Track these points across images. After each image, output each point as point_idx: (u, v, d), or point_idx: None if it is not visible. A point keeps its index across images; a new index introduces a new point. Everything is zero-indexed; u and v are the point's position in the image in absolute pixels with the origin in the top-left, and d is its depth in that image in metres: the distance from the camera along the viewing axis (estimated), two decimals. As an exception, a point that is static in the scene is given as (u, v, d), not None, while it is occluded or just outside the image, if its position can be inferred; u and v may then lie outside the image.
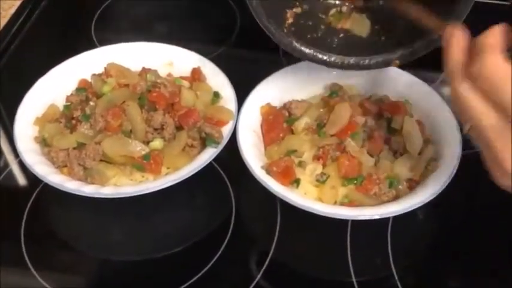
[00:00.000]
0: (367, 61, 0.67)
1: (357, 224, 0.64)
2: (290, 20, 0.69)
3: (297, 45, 0.67)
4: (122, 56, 0.77)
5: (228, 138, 0.67)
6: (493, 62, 0.40)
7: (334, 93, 0.72)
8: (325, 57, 0.67)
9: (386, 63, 0.67)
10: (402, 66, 0.74)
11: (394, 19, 0.65)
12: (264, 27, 0.65)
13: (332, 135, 0.66)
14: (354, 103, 0.69)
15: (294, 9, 0.69)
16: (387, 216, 0.59)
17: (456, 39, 0.44)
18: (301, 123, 0.68)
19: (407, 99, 0.71)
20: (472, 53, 0.42)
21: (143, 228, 0.67)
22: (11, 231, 0.66)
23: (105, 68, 0.75)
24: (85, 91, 0.73)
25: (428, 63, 0.81)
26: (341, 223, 0.64)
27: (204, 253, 0.63)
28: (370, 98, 0.72)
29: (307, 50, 0.67)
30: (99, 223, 0.68)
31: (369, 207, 0.60)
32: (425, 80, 0.72)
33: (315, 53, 0.67)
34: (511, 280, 0.61)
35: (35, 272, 0.62)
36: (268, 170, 0.63)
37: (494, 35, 0.41)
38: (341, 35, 0.70)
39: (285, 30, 0.67)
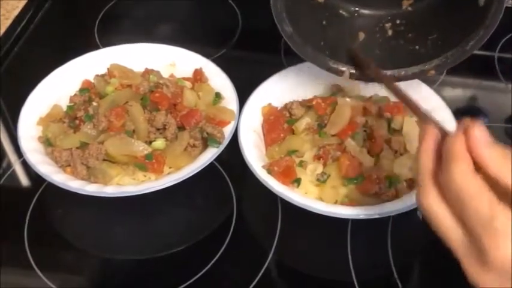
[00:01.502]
0: (403, 72, 0.67)
1: (357, 223, 0.64)
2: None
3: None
4: (124, 57, 0.78)
5: (229, 139, 0.67)
6: (461, 175, 0.37)
7: (335, 95, 0.73)
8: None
9: (422, 74, 0.67)
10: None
11: (427, 28, 0.66)
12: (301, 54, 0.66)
13: (333, 136, 0.67)
14: (354, 103, 0.70)
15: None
16: (387, 215, 0.59)
17: (428, 139, 0.41)
18: (302, 124, 0.69)
19: (408, 100, 0.71)
20: (443, 157, 0.39)
21: (145, 228, 0.67)
22: (14, 230, 0.66)
23: (108, 68, 0.76)
24: (88, 91, 0.73)
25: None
26: (341, 222, 0.64)
27: (205, 252, 0.64)
28: (370, 99, 0.72)
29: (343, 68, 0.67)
30: (101, 222, 0.68)
31: (369, 207, 0.60)
32: (425, 81, 0.73)
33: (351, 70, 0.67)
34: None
35: (38, 271, 0.62)
36: (269, 169, 0.64)
37: (461, 141, 0.38)
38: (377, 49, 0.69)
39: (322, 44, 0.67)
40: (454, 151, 0.38)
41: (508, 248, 0.35)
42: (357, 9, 0.71)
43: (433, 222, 0.40)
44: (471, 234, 0.37)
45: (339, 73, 0.67)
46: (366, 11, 0.71)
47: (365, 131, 0.67)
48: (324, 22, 0.69)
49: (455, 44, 0.64)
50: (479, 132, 0.38)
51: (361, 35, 0.69)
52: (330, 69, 0.67)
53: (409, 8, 0.70)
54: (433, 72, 0.66)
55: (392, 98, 0.72)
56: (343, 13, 0.71)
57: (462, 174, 0.37)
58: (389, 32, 0.70)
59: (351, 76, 0.66)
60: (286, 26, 0.64)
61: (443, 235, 0.39)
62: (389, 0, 0.70)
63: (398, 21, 0.70)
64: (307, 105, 0.71)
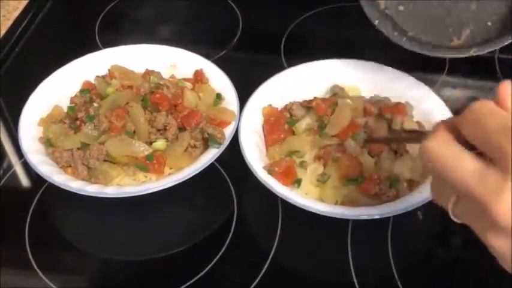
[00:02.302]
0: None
1: (358, 224, 0.64)
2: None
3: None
4: (125, 58, 0.78)
5: (230, 139, 0.67)
6: (484, 109, 0.35)
7: (335, 95, 0.73)
8: None
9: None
10: (402, 69, 0.74)
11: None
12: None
13: (333, 136, 0.67)
14: (354, 104, 0.70)
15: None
16: (388, 216, 0.59)
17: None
18: (302, 125, 0.69)
19: (408, 101, 0.71)
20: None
21: (146, 228, 0.67)
22: (15, 231, 0.66)
23: (108, 69, 0.76)
24: (89, 92, 0.73)
25: (429, 66, 0.82)
26: (342, 223, 0.64)
27: (205, 253, 0.63)
28: (371, 100, 0.72)
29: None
30: (102, 223, 0.68)
31: (370, 207, 0.61)
32: (425, 82, 0.73)
33: None
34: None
35: (39, 272, 0.62)
36: (269, 170, 0.64)
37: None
38: None
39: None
40: (476, 105, 0.35)
41: None
42: None
43: (442, 163, 0.35)
44: (490, 151, 0.33)
45: None
46: None
47: (365, 131, 0.67)
48: None
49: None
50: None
51: None
52: None
53: None
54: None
55: (393, 97, 0.72)
56: None
57: (481, 103, 0.35)
58: None
59: None
60: None
61: (455, 175, 0.35)
62: None
63: None
64: (307, 106, 0.71)
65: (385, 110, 0.69)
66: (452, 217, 0.38)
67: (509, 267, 0.35)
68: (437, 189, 0.40)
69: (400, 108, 0.69)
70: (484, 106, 0.35)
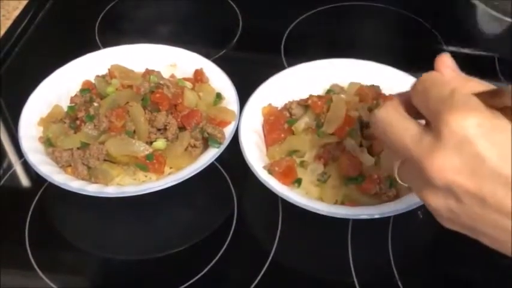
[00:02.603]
0: None
1: (358, 223, 0.64)
2: None
3: None
4: (125, 58, 0.78)
5: (230, 139, 0.67)
6: (427, 74, 0.40)
7: (330, 92, 0.72)
8: None
9: None
10: (402, 69, 0.74)
11: None
12: None
13: (331, 134, 0.67)
14: (349, 97, 0.69)
15: None
16: (388, 215, 0.59)
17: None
18: (301, 124, 0.69)
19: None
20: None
21: (146, 228, 0.67)
22: (15, 231, 0.66)
23: (108, 69, 0.76)
24: (89, 92, 0.73)
25: (429, 66, 0.82)
26: (342, 223, 0.64)
27: (206, 252, 0.64)
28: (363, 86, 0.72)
29: None
30: (102, 223, 0.68)
31: (370, 207, 0.61)
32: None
33: None
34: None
35: (39, 272, 0.62)
36: (270, 170, 0.64)
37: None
38: None
39: None
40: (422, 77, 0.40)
41: (463, 120, 0.34)
42: None
43: (388, 127, 0.40)
44: (431, 117, 0.37)
45: None
46: None
47: (365, 126, 0.67)
48: None
49: None
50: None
51: None
52: None
53: None
54: None
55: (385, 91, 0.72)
56: None
57: (428, 74, 0.40)
58: None
59: None
60: None
61: (397, 137, 0.39)
62: None
63: None
64: (304, 104, 0.71)
65: (380, 96, 0.69)
66: (397, 179, 0.42)
67: (443, 222, 0.39)
68: (388, 156, 0.46)
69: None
70: (430, 77, 0.39)
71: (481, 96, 0.36)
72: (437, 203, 0.37)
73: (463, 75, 0.41)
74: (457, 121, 0.34)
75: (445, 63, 0.41)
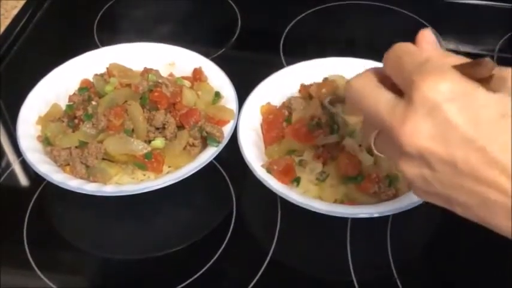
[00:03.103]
0: None
1: (357, 222, 0.64)
2: None
3: None
4: (123, 56, 0.78)
5: (228, 138, 0.67)
6: (398, 44, 0.39)
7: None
8: None
9: None
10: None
11: None
12: None
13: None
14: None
15: None
16: (387, 214, 0.59)
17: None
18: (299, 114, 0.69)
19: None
20: None
21: (144, 227, 0.67)
22: (13, 230, 0.66)
23: (107, 68, 0.76)
24: (87, 91, 0.73)
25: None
26: (341, 222, 0.64)
27: (204, 251, 0.63)
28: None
29: None
30: (101, 222, 0.68)
31: (369, 206, 0.61)
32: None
33: None
34: (511, 279, 0.61)
35: (38, 271, 0.62)
36: (268, 168, 0.64)
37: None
38: None
39: None
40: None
41: (435, 85, 0.34)
42: None
43: (361, 97, 0.39)
44: (403, 85, 0.37)
45: None
46: None
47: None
48: None
49: None
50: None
51: None
52: None
53: None
54: None
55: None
56: None
57: (402, 43, 0.39)
58: None
59: None
60: None
61: (371, 107, 0.38)
62: None
63: None
64: (303, 96, 0.71)
65: None
66: (374, 150, 0.42)
67: (419, 193, 0.39)
68: (365, 128, 0.44)
69: None
70: (403, 46, 0.38)
71: (460, 68, 0.35)
72: (411, 172, 0.37)
73: (442, 50, 0.40)
74: (428, 86, 0.34)
75: (426, 38, 0.40)
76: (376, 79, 0.39)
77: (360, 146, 0.65)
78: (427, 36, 0.40)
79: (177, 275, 0.62)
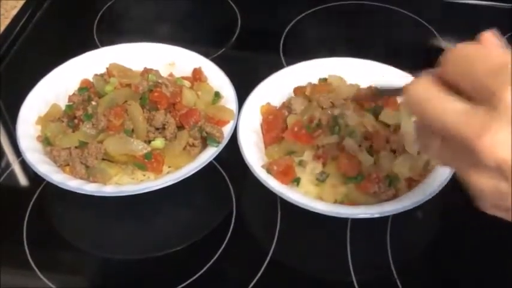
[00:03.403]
0: None
1: (357, 222, 0.64)
2: None
3: None
4: (123, 56, 0.78)
5: (228, 138, 0.67)
6: (466, 45, 0.36)
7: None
8: None
9: None
10: (402, 68, 0.74)
11: None
12: None
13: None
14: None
15: None
16: (387, 214, 0.59)
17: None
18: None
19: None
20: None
21: (144, 227, 0.67)
22: (13, 230, 0.66)
23: (107, 68, 0.76)
24: (87, 91, 0.73)
25: (428, 65, 0.82)
26: (341, 222, 0.64)
27: (204, 252, 0.63)
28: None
29: None
30: (100, 222, 0.68)
31: (369, 206, 0.60)
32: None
33: None
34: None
35: (37, 271, 0.62)
36: (268, 169, 0.64)
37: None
38: None
39: None
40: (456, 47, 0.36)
41: None
42: None
43: (424, 105, 0.36)
44: (477, 92, 0.34)
45: None
46: None
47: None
48: None
49: None
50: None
51: None
52: None
53: None
54: None
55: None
56: None
57: (465, 47, 0.36)
58: None
59: None
60: None
61: (439, 115, 0.36)
62: None
63: None
64: (303, 97, 0.71)
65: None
66: (437, 161, 0.39)
67: (487, 206, 0.37)
68: (423, 136, 0.40)
69: (388, 100, 0.69)
70: (471, 50, 0.35)
71: None
72: (484, 184, 0.35)
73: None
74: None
75: (489, 41, 0.38)
76: (437, 85, 0.37)
77: (360, 146, 0.65)
78: (490, 39, 0.38)
79: (177, 275, 0.61)
